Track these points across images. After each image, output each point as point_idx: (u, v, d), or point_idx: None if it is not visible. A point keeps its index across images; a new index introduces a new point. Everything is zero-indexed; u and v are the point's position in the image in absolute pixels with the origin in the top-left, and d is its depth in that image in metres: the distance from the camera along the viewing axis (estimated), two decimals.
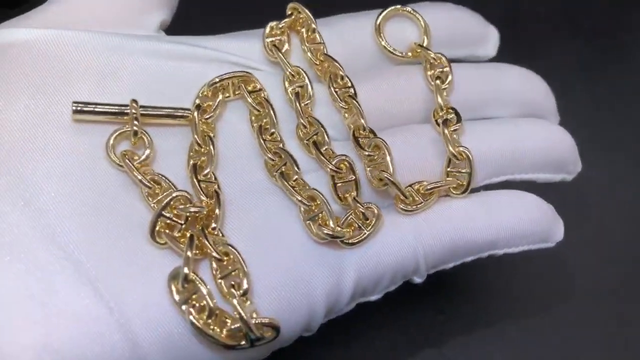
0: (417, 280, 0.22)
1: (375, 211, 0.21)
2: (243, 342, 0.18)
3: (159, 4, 0.23)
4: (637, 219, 0.31)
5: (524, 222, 0.23)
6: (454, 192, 0.22)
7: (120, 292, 0.17)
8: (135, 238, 0.18)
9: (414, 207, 0.21)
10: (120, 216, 0.19)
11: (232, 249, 0.18)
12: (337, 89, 0.22)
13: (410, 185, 0.22)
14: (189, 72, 0.22)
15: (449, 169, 0.22)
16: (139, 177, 0.19)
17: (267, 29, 0.23)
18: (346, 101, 0.22)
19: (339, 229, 0.20)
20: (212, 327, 0.17)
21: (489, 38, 0.26)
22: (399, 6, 0.25)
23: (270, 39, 0.23)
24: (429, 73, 0.24)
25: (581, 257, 0.29)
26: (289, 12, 0.24)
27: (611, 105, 0.35)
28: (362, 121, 0.22)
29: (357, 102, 0.22)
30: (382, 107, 0.23)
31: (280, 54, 0.23)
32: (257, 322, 0.18)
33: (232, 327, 0.18)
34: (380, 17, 0.24)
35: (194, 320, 0.17)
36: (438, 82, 0.23)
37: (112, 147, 0.19)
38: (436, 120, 0.23)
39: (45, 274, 0.17)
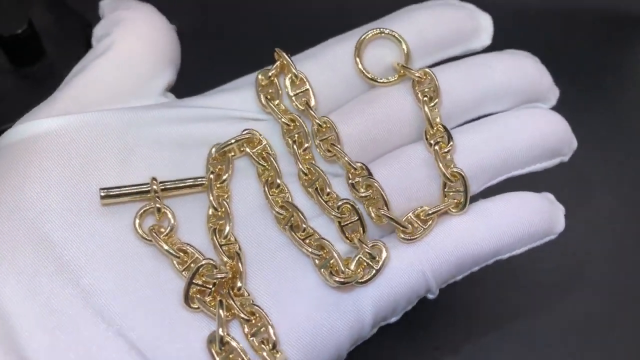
0: (431, 296, 0.23)
1: (382, 249, 0.22)
2: None
3: (163, 68, 0.25)
4: None
5: (524, 226, 0.23)
6: (453, 210, 0.23)
7: (166, 358, 0.20)
8: (172, 305, 0.21)
9: (416, 235, 0.22)
10: (156, 286, 0.21)
11: (258, 308, 0.21)
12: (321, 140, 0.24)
13: (412, 212, 0.23)
14: (200, 135, 0.23)
15: (445, 190, 0.23)
16: (167, 248, 0.21)
17: (257, 80, 0.24)
18: (330, 150, 0.23)
19: (350, 271, 0.22)
20: None
21: (482, 28, 0.26)
22: (376, 30, 0.25)
23: (262, 91, 0.24)
24: (417, 90, 0.24)
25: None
26: (277, 57, 0.25)
27: (595, 145, 0.36)
28: (350, 163, 0.23)
29: (339, 148, 0.23)
30: (375, 136, 0.24)
31: (272, 106, 0.24)
32: None
33: None
34: (359, 44, 0.25)
35: None
36: (426, 99, 0.24)
37: (139, 225, 0.21)
38: (428, 140, 0.23)
39: (96, 348, 0.19)
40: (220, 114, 0.24)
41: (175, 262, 0.21)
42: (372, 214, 0.23)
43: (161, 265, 0.21)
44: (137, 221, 0.21)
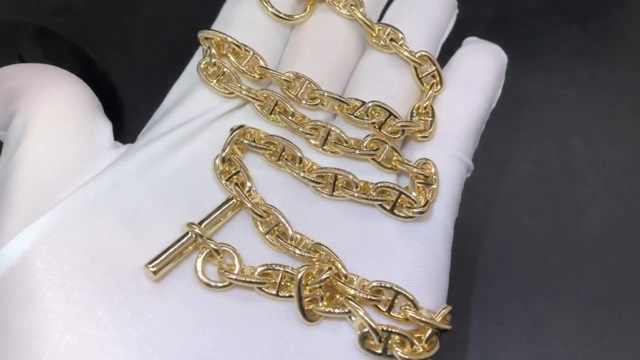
0: (469, 173, 0.24)
1: (428, 163, 0.22)
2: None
3: (95, 122, 0.22)
4: None
5: (489, 65, 0.25)
6: (436, 92, 0.23)
7: None
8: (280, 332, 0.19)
9: (429, 130, 0.23)
10: (253, 331, 0.19)
11: (378, 285, 0.20)
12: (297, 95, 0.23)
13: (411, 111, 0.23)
14: (190, 156, 0.21)
15: (421, 77, 0.24)
16: (253, 281, 0.19)
17: (201, 72, 0.23)
18: (313, 98, 0.23)
19: (417, 198, 0.21)
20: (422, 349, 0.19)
21: None
22: None
23: (212, 79, 0.23)
24: (336, 3, 0.24)
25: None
26: (205, 45, 0.23)
27: (615, 85, 0.36)
28: (343, 99, 0.23)
29: (322, 91, 0.23)
30: (332, 70, 0.24)
31: (237, 90, 0.22)
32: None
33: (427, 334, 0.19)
34: None
35: (404, 355, 0.19)
36: (352, 6, 0.24)
37: (205, 275, 0.19)
38: (376, 43, 0.24)
39: None
40: (193, 127, 0.22)
41: (264, 288, 0.19)
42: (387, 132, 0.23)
43: (251, 305, 0.19)
44: (201, 277, 0.19)
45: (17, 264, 0.18)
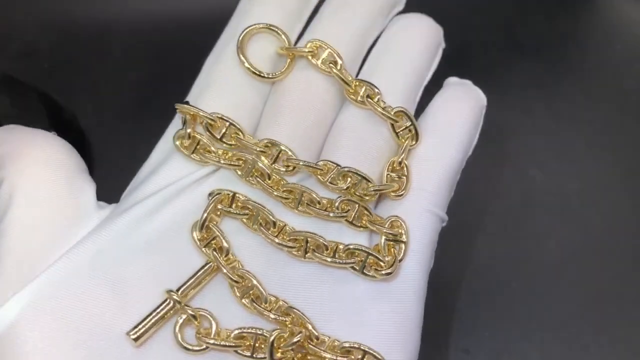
0: (444, 224, 0.24)
1: (399, 221, 0.23)
2: None
3: (79, 184, 0.22)
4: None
5: (468, 114, 0.25)
6: (411, 145, 0.24)
7: None
8: None
9: (402, 189, 0.23)
10: None
11: (350, 345, 0.21)
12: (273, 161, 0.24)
13: (386, 169, 0.24)
14: (170, 221, 0.22)
15: (398, 132, 0.24)
16: (228, 345, 0.20)
17: (176, 145, 0.23)
18: (288, 165, 0.24)
19: (386, 257, 0.22)
20: None
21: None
22: (251, 28, 0.25)
23: (189, 150, 0.23)
24: (316, 62, 0.25)
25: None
26: (182, 117, 0.24)
27: (568, 116, 0.38)
28: (313, 166, 0.23)
29: (295, 159, 0.23)
30: (306, 130, 0.24)
31: (211, 159, 0.23)
32: None
33: None
34: (240, 44, 0.25)
35: None
36: (331, 65, 0.24)
37: (183, 340, 0.21)
38: (353, 99, 0.24)
39: None
40: (170, 192, 0.23)
41: (239, 351, 0.20)
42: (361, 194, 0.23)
43: None
44: (181, 342, 0.20)
45: (5, 332, 0.19)
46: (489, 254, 0.33)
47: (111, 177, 0.24)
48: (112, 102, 0.36)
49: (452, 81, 0.26)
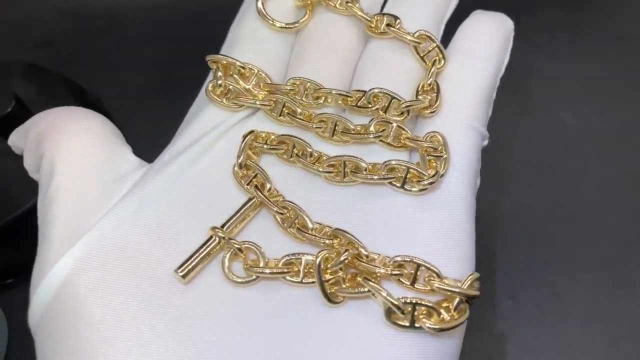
0: (486, 142, 0.24)
1: (436, 135, 0.22)
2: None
3: (118, 142, 0.24)
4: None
5: (495, 35, 0.25)
6: (439, 67, 0.24)
7: None
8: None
9: (435, 104, 0.23)
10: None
11: (401, 259, 0.20)
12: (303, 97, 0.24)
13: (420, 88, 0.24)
14: (209, 164, 0.23)
15: (422, 56, 0.24)
16: (277, 272, 0.20)
17: (209, 94, 0.24)
18: (317, 97, 0.24)
19: (428, 171, 0.22)
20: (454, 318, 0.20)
21: None
22: None
23: (221, 97, 0.24)
24: (335, 4, 0.25)
25: None
26: (213, 67, 0.24)
27: (593, 55, 0.38)
28: (344, 93, 0.24)
29: (325, 88, 0.24)
30: (338, 67, 0.25)
31: (242, 101, 0.24)
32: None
33: (455, 302, 0.20)
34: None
35: (432, 325, 0.19)
36: (349, 4, 0.25)
37: (232, 273, 0.21)
38: (377, 33, 0.25)
39: None
40: (208, 140, 0.23)
41: (288, 277, 0.21)
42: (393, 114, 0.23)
43: (278, 295, 0.21)
44: (230, 275, 0.21)
45: (62, 287, 0.20)
46: (526, 200, 0.33)
47: (140, 154, 0.25)
48: (133, 82, 0.37)
49: (478, 12, 0.26)
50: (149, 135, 0.31)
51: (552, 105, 0.36)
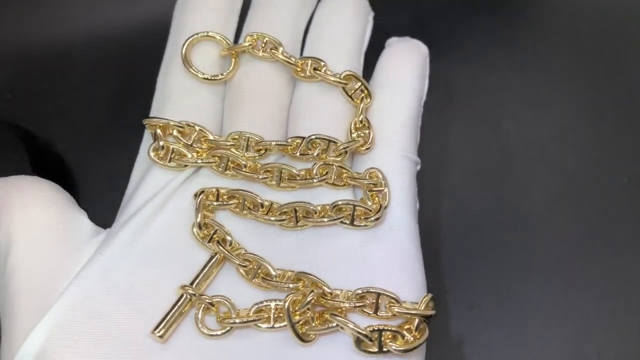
0: (419, 167, 0.26)
1: (376, 172, 0.24)
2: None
3: (73, 209, 0.24)
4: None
5: (413, 64, 0.26)
6: (367, 101, 0.25)
7: None
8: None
9: (369, 142, 0.25)
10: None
11: (363, 291, 0.22)
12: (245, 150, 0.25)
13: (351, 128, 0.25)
14: (163, 228, 0.23)
15: (349, 95, 0.25)
16: (250, 320, 0.22)
17: (152, 158, 0.24)
18: (259, 149, 0.25)
19: (369, 204, 0.24)
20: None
21: None
22: (191, 38, 0.26)
23: (164, 160, 0.25)
24: (257, 52, 0.26)
25: None
26: (151, 130, 0.25)
27: (530, 65, 0.40)
28: (282, 144, 0.25)
29: (265, 141, 0.25)
30: (270, 113, 0.26)
31: (189, 162, 0.25)
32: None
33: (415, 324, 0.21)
34: (184, 56, 0.26)
35: (398, 348, 0.21)
36: (272, 50, 0.26)
37: (206, 327, 0.22)
38: (302, 75, 0.26)
39: None
40: (159, 201, 0.24)
41: (260, 324, 0.22)
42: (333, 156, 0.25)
43: (252, 342, 0.22)
44: (204, 330, 0.22)
45: None
46: (477, 209, 0.35)
47: (96, 196, 0.25)
48: (85, 122, 0.37)
49: (392, 40, 0.28)
50: (104, 175, 0.30)
51: (494, 116, 0.37)
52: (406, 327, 0.21)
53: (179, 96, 0.26)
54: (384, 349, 0.21)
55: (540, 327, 0.32)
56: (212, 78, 0.26)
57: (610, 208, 0.35)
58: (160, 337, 0.21)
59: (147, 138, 0.26)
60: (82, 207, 0.25)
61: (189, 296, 0.22)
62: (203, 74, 0.26)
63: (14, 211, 0.22)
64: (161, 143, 0.24)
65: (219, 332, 0.22)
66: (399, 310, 0.21)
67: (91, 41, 0.39)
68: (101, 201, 0.25)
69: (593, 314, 0.32)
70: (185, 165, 0.25)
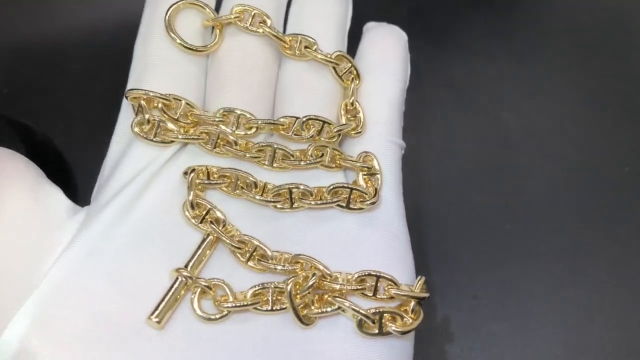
0: (404, 149, 0.25)
1: (372, 157, 0.24)
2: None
3: (46, 185, 0.22)
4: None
5: (394, 49, 0.26)
6: (357, 83, 0.25)
7: None
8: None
9: (360, 126, 0.24)
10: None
11: (364, 274, 0.22)
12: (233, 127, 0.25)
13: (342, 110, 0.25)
14: (150, 207, 0.23)
15: (341, 75, 0.25)
16: (248, 304, 0.21)
17: (136, 132, 0.23)
18: (249, 127, 0.25)
19: (364, 186, 0.23)
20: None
21: None
22: (174, 5, 0.25)
23: (149, 135, 0.24)
24: (243, 25, 0.25)
25: None
26: (135, 105, 0.24)
27: (528, 56, 0.40)
28: (275, 122, 0.24)
29: (255, 118, 0.24)
30: (257, 92, 0.25)
31: (177, 138, 0.24)
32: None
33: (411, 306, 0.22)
34: (168, 23, 0.24)
35: (397, 329, 0.21)
36: (261, 25, 0.25)
37: (203, 311, 0.21)
38: (291, 53, 0.25)
39: None
40: (144, 178, 0.23)
41: (259, 307, 0.21)
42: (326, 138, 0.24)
43: (251, 325, 0.21)
44: (202, 314, 0.21)
45: (20, 349, 0.19)
46: (477, 200, 0.35)
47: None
48: (82, 117, 0.36)
49: (371, 25, 0.27)
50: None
51: (494, 107, 0.37)
52: (403, 308, 0.22)
53: (160, 66, 0.24)
54: (384, 331, 0.21)
55: (542, 317, 0.32)
56: (197, 49, 0.25)
57: (611, 197, 0.35)
58: (158, 322, 0.21)
59: (125, 112, 0.25)
60: (79, 202, 0.23)
61: (184, 279, 0.21)
62: (187, 43, 0.24)
63: None
64: (146, 116, 0.23)
65: (217, 316, 0.21)
66: (397, 292, 0.21)
67: (87, 36, 0.39)
68: None
69: (595, 302, 0.32)
70: (172, 141, 0.24)
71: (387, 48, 0.26)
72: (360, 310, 0.21)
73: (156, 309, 0.21)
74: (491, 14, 0.40)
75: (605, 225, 0.34)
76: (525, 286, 0.32)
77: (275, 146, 0.24)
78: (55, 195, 0.22)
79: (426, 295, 0.22)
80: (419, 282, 0.22)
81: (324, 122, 0.24)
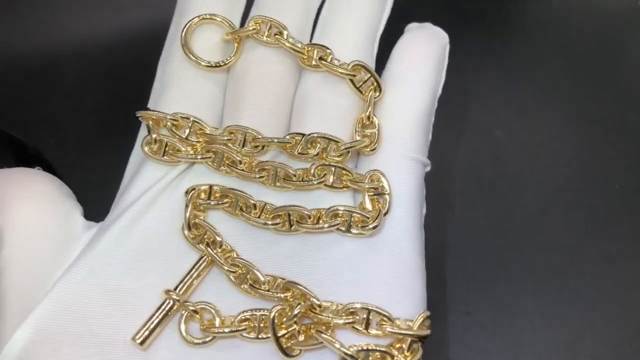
0: (428, 168, 0.24)
1: (378, 174, 0.23)
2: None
3: (68, 203, 0.23)
4: None
5: (429, 56, 0.24)
6: (376, 95, 0.24)
7: None
8: None
9: (375, 142, 0.23)
10: None
11: (354, 306, 0.21)
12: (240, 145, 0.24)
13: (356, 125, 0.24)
14: (152, 226, 0.23)
15: (358, 87, 0.24)
16: (233, 330, 0.21)
17: (146, 152, 0.23)
18: (256, 145, 0.24)
19: (370, 211, 0.22)
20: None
21: None
22: (195, 20, 0.25)
23: (158, 154, 0.24)
24: (266, 38, 0.24)
25: None
26: (145, 122, 0.24)
27: (519, 75, 0.40)
28: (282, 141, 0.24)
29: (262, 137, 0.24)
30: (271, 107, 0.24)
31: (183, 157, 0.24)
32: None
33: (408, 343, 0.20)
34: (184, 40, 0.24)
35: None
36: (277, 35, 0.24)
37: (189, 335, 0.21)
38: (308, 63, 0.24)
39: None
40: (149, 198, 0.23)
41: (244, 334, 0.21)
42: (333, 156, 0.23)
43: (236, 352, 0.21)
44: (187, 337, 0.21)
45: None
46: (470, 217, 0.35)
47: (88, 204, 0.24)
48: (73, 130, 0.36)
49: (412, 26, 0.26)
50: (94, 184, 0.30)
51: (485, 123, 0.37)
52: (398, 345, 0.20)
53: (178, 85, 0.24)
54: None
55: (534, 333, 0.32)
56: (214, 65, 0.24)
57: (602, 214, 0.35)
58: (141, 344, 0.20)
59: (143, 133, 0.25)
60: None
61: (172, 301, 0.21)
62: (204, 60, 0.24)
63: (8, 205, 0.21)
64: (154, 136, 0.23)
65: (202, 341, 0.21)
66: (391, 330, 0.20)
67: (80, 50, 0.39)
68: (92, 207, 0.24)
69: (586, 319, 0.32)
70: (179, 161, 0.24)
71: (418, 52, 0.24)
72: (342, 349, 0.20)
73: (139, 330, 0.21)
74: (483, 31, 0.41)
75: (597, 241, 0.34)
76: (517, 302, 0.32)
77: (277, 165, 0.23)
78: (74, 215, 0.23)
79: (426, 333, 0.20)
80: (420, 318, 0.21)
81: (330, 140, 0.23)
